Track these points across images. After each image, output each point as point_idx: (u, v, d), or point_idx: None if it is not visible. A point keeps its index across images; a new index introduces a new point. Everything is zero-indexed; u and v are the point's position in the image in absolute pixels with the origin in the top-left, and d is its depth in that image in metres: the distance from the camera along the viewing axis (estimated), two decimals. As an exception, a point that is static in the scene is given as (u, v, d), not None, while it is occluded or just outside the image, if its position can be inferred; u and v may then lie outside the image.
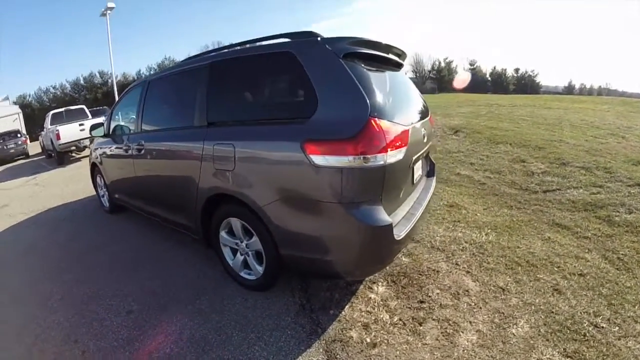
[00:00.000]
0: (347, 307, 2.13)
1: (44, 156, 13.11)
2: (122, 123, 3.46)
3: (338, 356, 1.76)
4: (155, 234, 3.51)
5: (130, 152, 3.14)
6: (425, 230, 3.08)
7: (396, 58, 2.33)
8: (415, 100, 2.52)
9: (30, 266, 3.25)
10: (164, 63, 45.64)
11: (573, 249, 2.58)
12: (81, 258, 3.24)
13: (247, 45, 2.30)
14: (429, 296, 2.17)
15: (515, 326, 1.86)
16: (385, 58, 2.18)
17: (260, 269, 2.25)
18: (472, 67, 61.07)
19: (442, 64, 59.52)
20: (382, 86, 2.01)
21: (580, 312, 1.92)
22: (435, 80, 56.04)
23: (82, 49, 75.57)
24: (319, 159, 1.68)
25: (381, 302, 2.15)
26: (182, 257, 2.95)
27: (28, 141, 15.52)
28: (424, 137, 2.23)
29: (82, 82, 41.08)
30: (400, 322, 1.96)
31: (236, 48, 2.37)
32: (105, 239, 3.61)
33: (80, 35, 77.21)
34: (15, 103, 34.24)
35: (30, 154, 14.90)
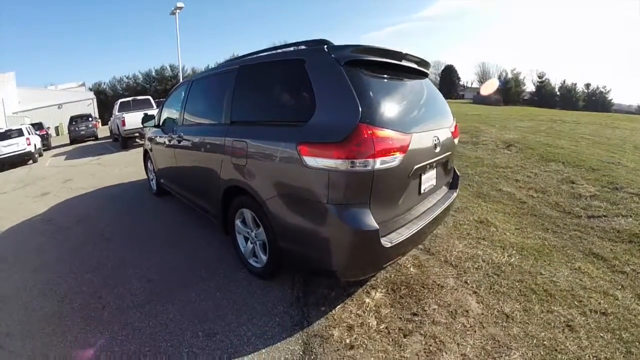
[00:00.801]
0: (339, 306, 2.18)
1: (111, 140, 14.73)
2: (170, 116, 3.88)
3: (314, 350, 1.84)
4: (189, 217, 3.89)
5: (173, 142, 3.53)
6: (444, 243, 2.98)
7: (414, 66, 2.30)
8: (433, 109, 2.46)
9: (79, 233, 3.85)
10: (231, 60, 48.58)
11: (603, 284, 2.31)
12: (122, 231, 3.75)
13: (267, 53, 2.46)
14: (424, 310, 2.13)
15: (507, 358, 1.75)
16: (399, 66, 2.16)
17: (264, 258, 2.41)
18: (540, 80, 56.60)
19: (509, 75, 55.57)
20: (388, 93, 2.02)
21: (589, 356, 1.74)
22: (501, 92, 52.64)
23: (158, 42, 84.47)
24: (310, 161, 1.79)
25: (374, 308, 2.16)
26: (206, 241, 3.24)
27: (98, 125, 17.36)
28: (435, 147, 2.17)
29: (153, 73, 44.68)
30: (386, 330, 1.97)
31: (259, 55, 2.55)
32: (146, 217, 4.11)
33: (158, 29, 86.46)
34: (90, 89, 38.55)
35: (99, 136, 16.86)
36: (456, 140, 2.70)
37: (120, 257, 3.07)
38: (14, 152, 10.90)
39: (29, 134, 11.89)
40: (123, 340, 2.01)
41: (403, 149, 1.85)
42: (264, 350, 1.86)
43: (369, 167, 1.69)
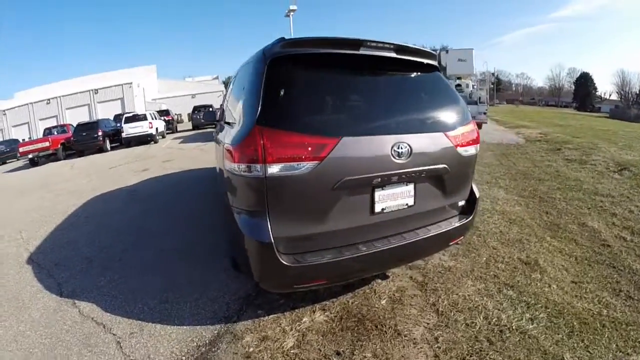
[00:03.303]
0: (274, 315, 2.08)
1: (228, 128, 17.21)
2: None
3: (219, 344, 1.85)
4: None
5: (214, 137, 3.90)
6: (451, 281, 2.35)
7: (389, 54, 1.80)
8: (415, 108, 1.94)
9: (146, 203, 4.73)
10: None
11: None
12: (175, 207, 4.40)
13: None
14: (353, 354, 1.78)
15: None
16: (365, 57, 1.77)
17: None
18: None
19: (654, 86, 38.25)
20: (318, 90, 1.75)
21: None
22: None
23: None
24: (226, 164, 1.78)
25: (303, 330, 1.96)
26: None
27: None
28: (398, 156, 1.69)
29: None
30: (293, 355, 1.75)
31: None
32: (199, 199, 4.69)
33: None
34: (223, 82, 41.57)
35: (220, 125, 19.45)
36: (465, 150, 2.00)
37: (158, 226, 3.73)
38: (138, 133, 13.22)
39: (153, 119, 14.08)
40: (114, 284, 2.56)
41: (318, 156, 1.50)
42: (184, 327, 2.00)
43: (260, 173, 1.52)
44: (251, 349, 1.78)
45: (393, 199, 1.79)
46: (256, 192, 1.56)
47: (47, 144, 12.54)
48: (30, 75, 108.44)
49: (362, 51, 1.73)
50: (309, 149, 1.52)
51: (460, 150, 1.95)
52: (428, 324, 1.91)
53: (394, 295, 2.18)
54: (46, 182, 7.88)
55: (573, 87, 62.01)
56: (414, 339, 1.80)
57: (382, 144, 1.67)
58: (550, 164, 5.57)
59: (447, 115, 1.96)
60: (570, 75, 69.36)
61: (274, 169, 1.50)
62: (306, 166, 1.52)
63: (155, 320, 2.06)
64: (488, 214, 3.43)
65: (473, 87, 14.00)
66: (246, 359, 1.72)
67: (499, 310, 1.97)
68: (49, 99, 29.29)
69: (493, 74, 62.36)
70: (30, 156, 12.39)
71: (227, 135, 1.94)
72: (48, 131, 15.37)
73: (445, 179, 1.93)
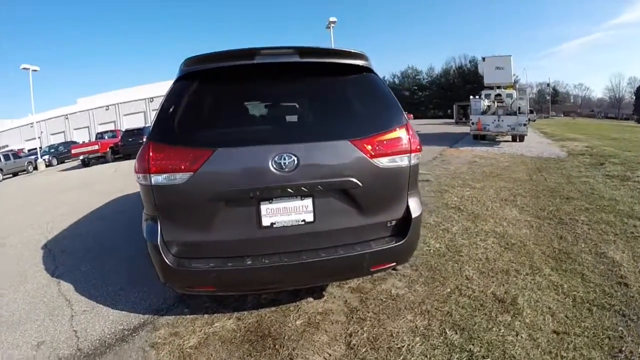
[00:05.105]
0: (194, 316, 2.07)
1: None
2: None
3: (139, 332, 1.95)
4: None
5: None
6: (387, 312, 1.95)
7: (287, 59, 1.68)
8: (302, 115, 1.83)
9: None
10: (406, 72, 51.66)
11: None
12: None
13: None
14: None
15: None
16: (257, 65, 1.66)
17: None
18: None
19: None
20: (203, 104, 1.73)
21: None
22: None
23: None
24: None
25: (210, 333, 1.90)
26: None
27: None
28: (280, 168, 1.57)
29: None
30: (187, 353, 1.71)
31: None
32: None
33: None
34: None
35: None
36: (391, 160, 1.70)
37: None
38: None
39: None
40: (95, 271, 2.84)
41: (192, 168, 1.57)
42: (122, 312, 2.17)
43: (147, 182, 1.62)
44: (159, 340, 1.87)
45: (285, 213, 1.64)
46: (149, 200, 1.65)
47: (96, 147, 13.40)
48: (92, 82, 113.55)
49: (257, 60, 1.67)
50: (185, 160, 1.55)
51: (378, 161, 1.66)
52: (330, 355, 1.66)
53: (315, 317, 1.98)
54: (88, 181, 8.94)
55: (634, 97, 56.75)
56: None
57: (261, 155, 1.57)
58: (587, 181, 4.78)
59: (362, 121, 1.73)
60: (631, 85, 64.33)
61: (157, 179, 1.57)
62: (182, 177, 1.55)
63: (107, 303, 2.32)
64: (482, 237, 2.82)
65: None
66: (151, 347, 1.82)
67: (425, 357, 1.55)
68: (107, 106, 30.99)
69: (549, 84, 56.57)
70: (81, 157, 13.46)
71: None
72: (100, 135, 16.04)
73: (357, 194, 1.66)
